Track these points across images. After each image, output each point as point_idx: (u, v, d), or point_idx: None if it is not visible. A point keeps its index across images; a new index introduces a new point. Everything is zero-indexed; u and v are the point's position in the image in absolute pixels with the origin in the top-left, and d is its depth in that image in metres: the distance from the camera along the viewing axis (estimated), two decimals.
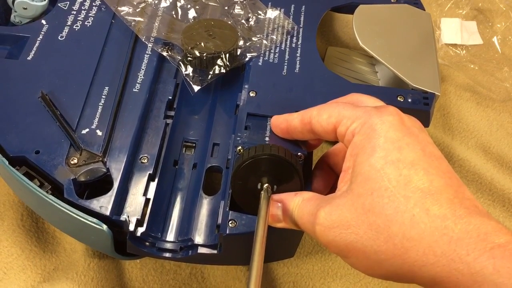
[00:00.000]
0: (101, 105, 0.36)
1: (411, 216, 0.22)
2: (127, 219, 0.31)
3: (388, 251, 0.22)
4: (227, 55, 0.38)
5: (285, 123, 0.30)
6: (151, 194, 0.33)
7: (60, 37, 0.40)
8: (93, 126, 0.35)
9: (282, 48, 0.41)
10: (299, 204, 0.27)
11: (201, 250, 0.32)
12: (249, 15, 0.43)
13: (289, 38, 0.41)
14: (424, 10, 0.46)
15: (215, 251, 0.32)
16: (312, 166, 0.33)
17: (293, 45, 0.41)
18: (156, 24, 0.41)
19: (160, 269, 0.39)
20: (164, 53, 0.39)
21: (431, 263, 0.21)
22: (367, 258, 0.23)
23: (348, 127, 0.26)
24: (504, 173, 0.46)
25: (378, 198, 0.23)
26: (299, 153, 0.31)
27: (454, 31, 0.55)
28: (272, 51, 0.40)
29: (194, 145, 0.38)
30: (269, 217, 0.27)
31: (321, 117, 0.27)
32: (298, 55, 0.40)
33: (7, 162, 0.32)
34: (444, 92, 0.51)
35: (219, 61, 0.38)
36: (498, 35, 0.54)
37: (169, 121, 0.37)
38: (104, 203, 0.31)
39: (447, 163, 0.24)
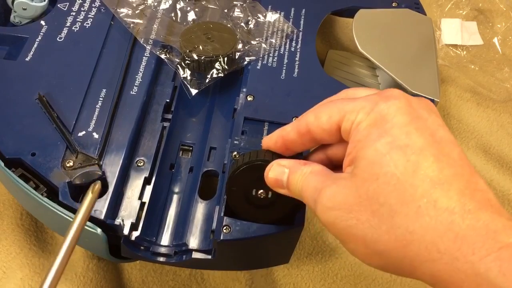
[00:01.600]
0: (98, 108, 0.36)
1: (416, 208, 0.20)
2: (121, 223, 0.31)
3: (389, 242, 0.21)
4: (225, 58, 0.37)
5: (281, 140, 0.27)
6: (146, 198, 0.33)
7: (59, 38, 0.40)
8: (90, 129, 0.35)
9: (281, 52, 0.40)
10: (306, 174, 0.25)
11: (195, 255, 0.32)
12: (249, 18, 0.42)
13: (288, 42, 0.41)
14: (426, 15, 0.46)
15: (209, 256, 0.32)
16: None
17: (292, 49, 0.41)
18: (155, 26, 0.41)
19: (160, 270, 0.39)
20: (162, 56, 0.39)
21: (433, 259, 0.20)
22: (366, 247, 0.22)
23: (353, 121, 0.23)
24: (504, 174, 0.46)
25: (383, 185, 0.21)
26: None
27: (454, 31, 0.55)
28: (271, 54, 0.40)
29: (191, 148, 0.37)
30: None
31: (320, 120, 0.25)
32: (297, 59, 0.40)
33: (2, 164, 0.32)
34: (444, 93, 0.51)
35: (217, 65, 0.37)
36: (499, 35, 0.54)
37: (166, 124, 0.37)
38: (98, 207, 0.31)
39: (460, 149, 0.22)
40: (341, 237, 0.23)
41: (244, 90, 0.37)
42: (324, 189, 0.23)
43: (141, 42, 0.40)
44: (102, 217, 0.31)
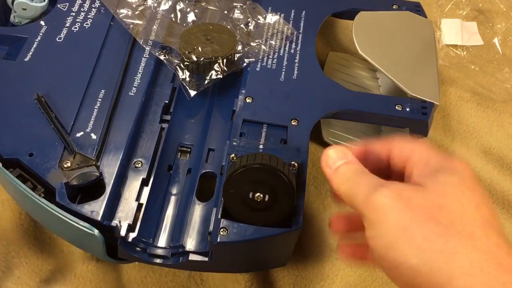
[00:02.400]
0: (96, 108, 0.36)
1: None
2: (118, 224, 0.31)
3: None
4: (224, 60, 0.37)
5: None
6: (144, 199, 0.33)
7: (58, 39, 0.40)
8: (88, 130, 0.35)
9: (281, 54, 0.40)
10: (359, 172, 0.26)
11: (192, 257, 0.32)
12: (249, 19, 0.42)
13: (288, 44, 0.41)
14: (426, 17, 0.46)
15: (206, 259, 0.32)
16: (306, 175, 0.33)
17: (292, 51, 0.41)
18: (155, 27, 0.41)
19: (159, 271, 0.39)
20: (161, 57, 0.39)
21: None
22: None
23: (410, 158, 0.26)
24: (505, 174, 0.46)
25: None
26: (292, 162, 0.31)
27: (454, 32, 0.55)
28: (271, 56, 0.40)
29: (189, 150, 0.37)
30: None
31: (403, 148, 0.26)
32: (296, 61, 0.40)
33: (0, 164, 0.32)
34: (444, 93, 0.51)
35: (216, 66, 0.37)
36: (499, 35, 0.54)
37: (165, 125, 0.37)
38: (95, 208, 0.31)
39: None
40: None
41: (243, 91, 0.37)
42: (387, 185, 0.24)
43: (141, 43, 0.40)
44: (99, 218, 0.31)
